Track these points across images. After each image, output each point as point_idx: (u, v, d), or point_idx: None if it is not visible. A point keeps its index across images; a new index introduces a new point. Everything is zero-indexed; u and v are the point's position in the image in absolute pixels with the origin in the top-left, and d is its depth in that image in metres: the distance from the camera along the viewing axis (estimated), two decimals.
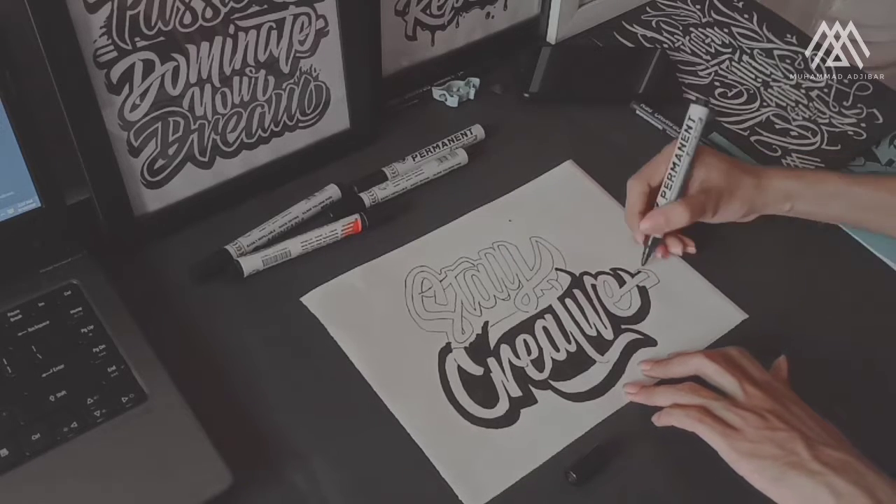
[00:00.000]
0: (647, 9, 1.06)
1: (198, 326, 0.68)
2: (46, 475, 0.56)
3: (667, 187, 0.74)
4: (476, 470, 0.61)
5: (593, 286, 0.74)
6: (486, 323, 0.70)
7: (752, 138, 0.90)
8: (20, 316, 0.63)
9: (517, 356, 0.68)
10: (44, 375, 0.60)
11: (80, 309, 0.64)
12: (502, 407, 0.65)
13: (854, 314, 0.74)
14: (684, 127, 0.72)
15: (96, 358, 0.61)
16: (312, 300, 0.70)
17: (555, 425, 0.64)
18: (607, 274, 0.75)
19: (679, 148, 0.72)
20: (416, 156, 0.82)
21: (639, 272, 0.75)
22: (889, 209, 0.73)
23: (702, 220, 0.74)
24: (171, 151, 0.72)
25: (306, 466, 0.61)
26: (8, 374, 0.60)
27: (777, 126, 0.91)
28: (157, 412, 0.59)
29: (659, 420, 0.63)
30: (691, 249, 0.76)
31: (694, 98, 0.73)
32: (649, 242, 0.75)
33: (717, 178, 0.73)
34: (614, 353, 0.69)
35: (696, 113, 0.72)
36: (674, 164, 0.73)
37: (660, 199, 0.74)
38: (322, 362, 0.67)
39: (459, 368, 0.67)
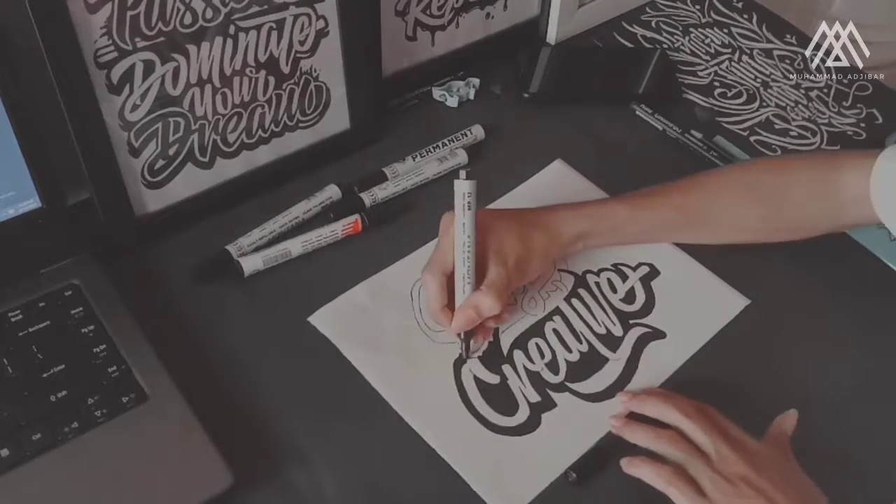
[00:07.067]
0: (647, 9, 1.06)
1: (198, 326, 0.68)
2: (47, 475, 0.56)
3: (458, 272, 0.65)
4: (506, 479, 0.61)
5: (597, 284, 0.74)
6: (496, 329, 0.70)
7: (752, 138, 0.90)
8: (21, 316, 0.63)
9: (531, 361, 0.68)
10: (44, 375, 0.60)
11: (80, 309, 0.64)
12: (523, 413, 0.65)
13: (852, 308, 0.75)
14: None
15: (97, 358, 0.61)
16: (320, 320, 0.69)
17: (576, 427, 0.64)
18: (609, 270, 0.75)
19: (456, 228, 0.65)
20: (416, 156, 0.82)
21: (640, 265, 0.75)
22: (673, 226, 0.74)
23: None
24: (171, 151, 0.72)
25: (307, 466, 0.61)
26: (8, 374, 0.60)
27: (777, 126, 0.92)
28: (158, 412, 0.59)
29: (629, 468, 0.61)
30: (493, 323, 0.68)
31: (464, 175, 0.64)
32: (462, 336, 0.67)
33: (510, 243, 0.67)
34: (626, 349, 0.69)
35: (460, 188, 0.64)
36: (454, 245, 0.65)
37: (457, 287, 0.66)
38: (322, 362, 0.67)
39: (476, 378, 0.67)
